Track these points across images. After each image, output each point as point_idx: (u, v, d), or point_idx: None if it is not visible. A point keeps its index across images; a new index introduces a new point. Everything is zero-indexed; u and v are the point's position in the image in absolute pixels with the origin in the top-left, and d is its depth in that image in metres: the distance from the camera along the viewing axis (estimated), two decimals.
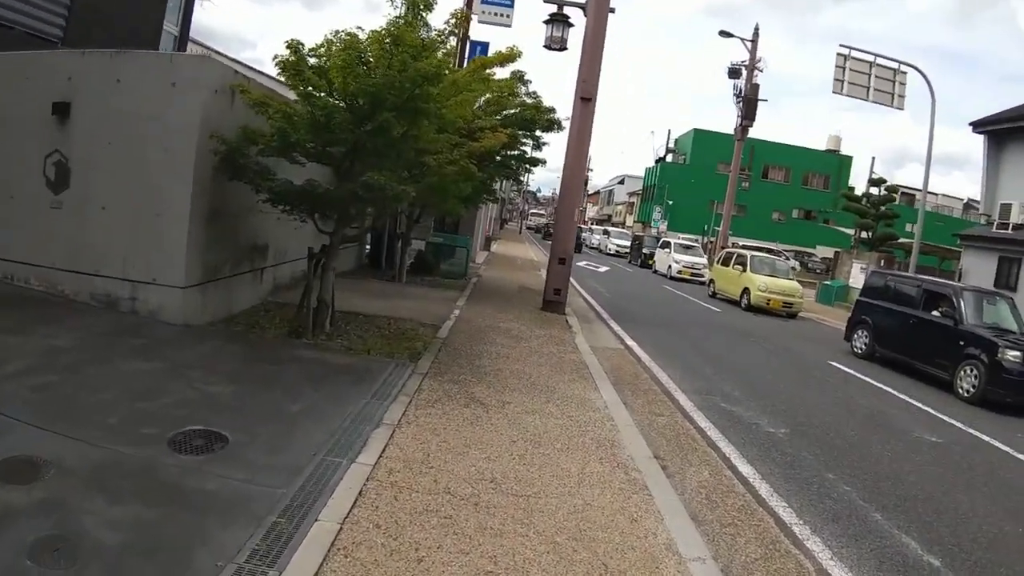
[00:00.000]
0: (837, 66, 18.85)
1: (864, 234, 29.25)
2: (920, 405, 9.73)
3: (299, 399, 5.35)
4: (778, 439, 6.87)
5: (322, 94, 6.74)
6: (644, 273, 30.02)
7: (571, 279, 15.92)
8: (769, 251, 45.59)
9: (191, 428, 4.43)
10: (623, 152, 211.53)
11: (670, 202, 53.58)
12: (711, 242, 43.27)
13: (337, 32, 6.66)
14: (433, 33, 6.86)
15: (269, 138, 6.79)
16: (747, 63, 32.01)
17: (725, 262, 21.68)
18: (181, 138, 6.76)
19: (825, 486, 5.72)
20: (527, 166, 15.08)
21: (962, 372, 10.76)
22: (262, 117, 6.86)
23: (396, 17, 6.73)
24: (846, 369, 11.81)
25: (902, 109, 19.47)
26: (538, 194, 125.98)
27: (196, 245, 6.98)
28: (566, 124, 12.50)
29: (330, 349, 7.12)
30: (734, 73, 32.48)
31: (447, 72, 7.16)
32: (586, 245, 47.23)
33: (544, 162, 14.67)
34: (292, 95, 7.33)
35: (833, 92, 18.95)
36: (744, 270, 19.89)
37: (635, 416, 6.68)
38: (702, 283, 27.17)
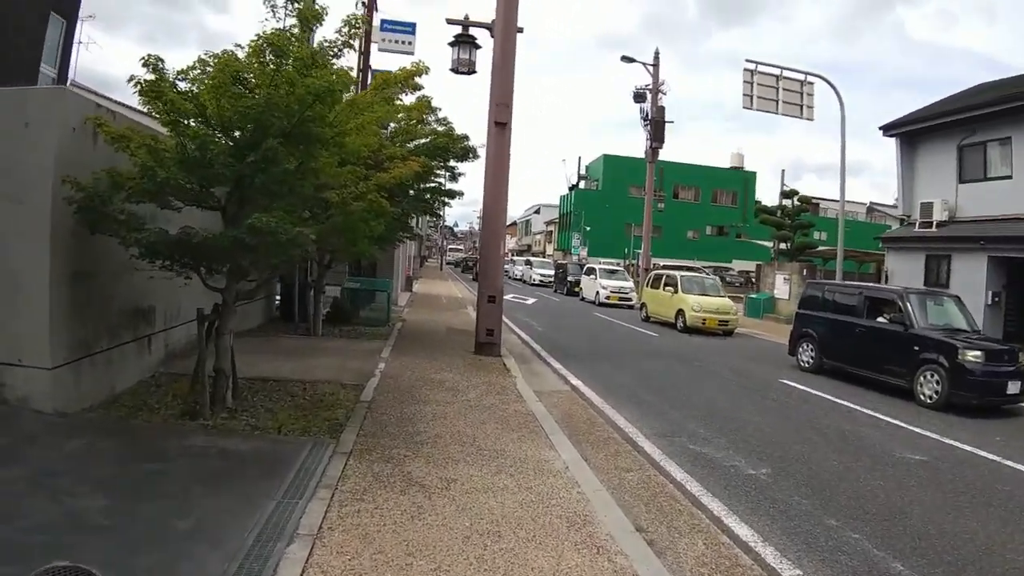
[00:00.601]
0: (745, 81, 18.87)
1: (783, 245, 29.64)
2: (888, 419, 9.19)
3: (190, 510, 4.08)
4: (763, 483, 6.00)
5: (193, 122, 5.54)
6: (572, 301, 29.40)
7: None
8: (689, 269, 46.27)
9: (54, 565, 3.12)
10: (536, 182, 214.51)
11: (587, 228, 53.73)
12: (632, 264, 43.42)
13: (212, 53, 5.54)
14: (325, 44, 5.79)
15: (136, 180, 5.53)
16: (651, 87, 32.41)
17: (655, 284, 21.24)
18: (35, 187, 5.47)
19: (832, 537, 4.87)
20: (443, 199, 14.10)
21: (922, 378, 10.34)
22: (135, 157, 5.61)
23: (279, 30, 5.64)
24: (800, 386, 11.24)
25: (812, 120, 19.70)
26: (456, 229, 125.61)
27: (62, 315, 5.64)
28: (482, 152, 11.62)
29: (232, 431, 5.81)
30: (639, 97, 32.76)
31: (343, 91, 6.12)
32: (510, 277, 46.82)
33: (461, 194, 13.74)
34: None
35: (744, 107, 18.96)
36: (676, 291, 19.45)
37: (602, 476, 5.68)
38: (631, 307, 26.83)
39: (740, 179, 61.98)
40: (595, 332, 17.70)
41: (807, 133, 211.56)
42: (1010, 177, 17.01)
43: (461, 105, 24.95)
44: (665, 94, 32.36)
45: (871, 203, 72.24)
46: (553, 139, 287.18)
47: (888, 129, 21.05)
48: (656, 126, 31.70)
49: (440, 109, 12.08)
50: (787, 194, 30.61)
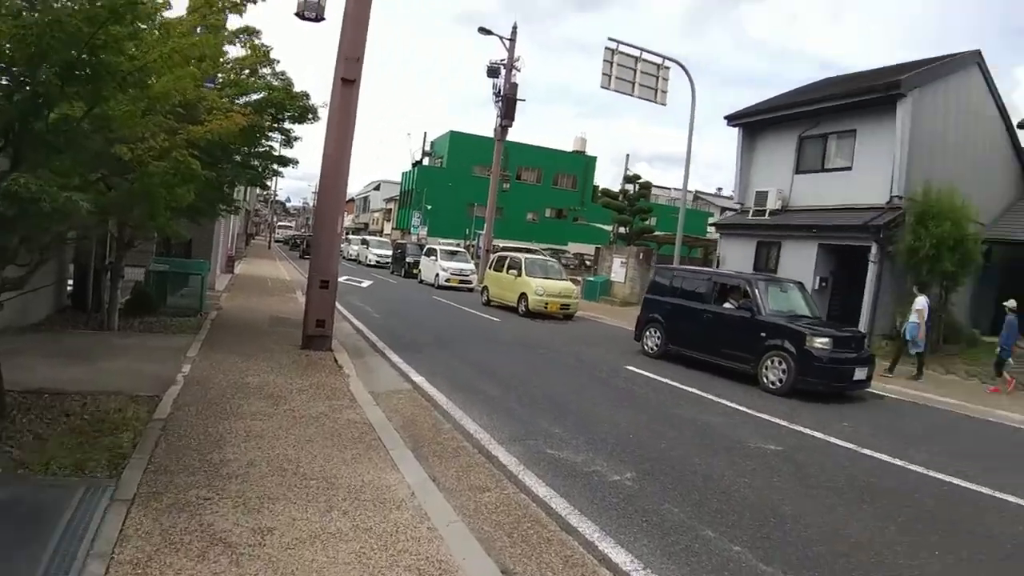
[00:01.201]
0: (605, 60, 18.71)
1: (622, 229, 30.35)
2: (736, 406, 9.22)
3: None
4: (630, 491, 5.46)
5: None
6: (411, 284, 28.30)
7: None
8: (529, 251, 46.69)
9: None
10: (378, 157, 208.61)
11: (429, 207, 52.60)
12: (472, 246, 42.98)
13: None
14: None
15: None
16: (506, 62, 31.80)
17: (498, 267, 20.71)
18: None
19: (715, 553, 4.44)
20: (275, 167, 12.40)
21: (768, 363, 10.52)
22: None
23: None
24: (647, 374, 11.10)
25: (664, 104, 19.93)
26: (288, 204, 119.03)
27: None
28: (323, 114, 10.23)
29: None
30: (493, 72, 32.08)
31: (155, 11, 4.77)
32: (344, 257, 44.39)
33: (296, 162, 12.11)
34: None
35: (601, 87, 18.80)
36: (519, 274, 19.02)
37: (456, 500, 4.84)
38: (471, 290, 26.28)
39: (581, 163, 63.48)
40: (436, 318, 16.82)
41: (642, 123, 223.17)
42: (849, 168, 18.07)
43: (307, 66, 22.83)
44: (519, 71, 31.99)
45: (696, 192, 77.83)
46: (397, 113, 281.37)
47: (733, 119, 21.76)
48: (508, 103, 31.19)
49: (279, 62, 10.52)
50: (629, 179, 31.37)
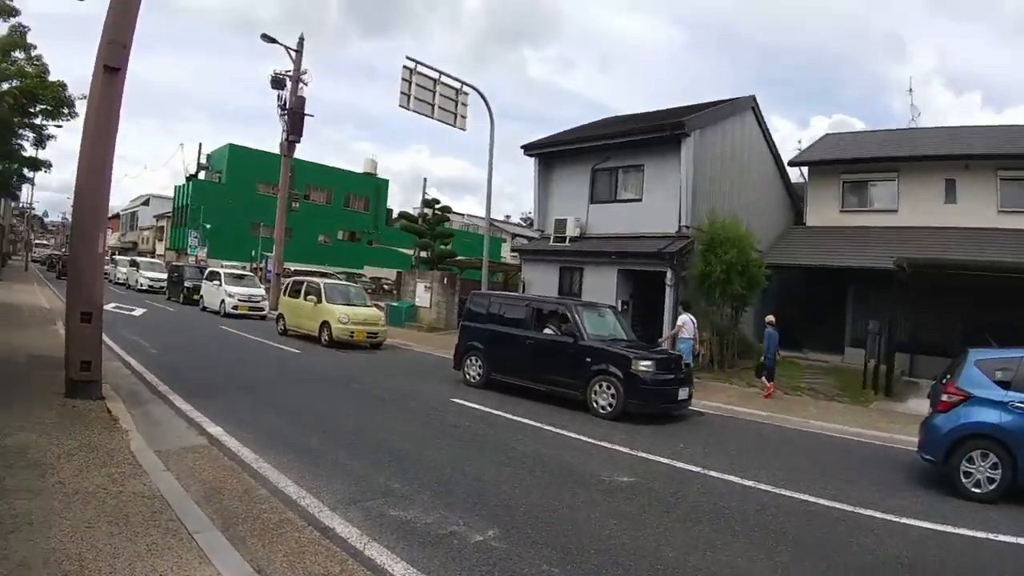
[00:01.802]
0: (403, 79, 17.90)
1: (423, 253, 29.70)
2: (576, 435, 9.05)
3: None
4: (499, 553, 4.78)
5: None
6: (191, 312, 25.30)
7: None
8: (323, 275, 44.57)
9: None
10: (146, 167, 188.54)
11: (207, 225, 48.13)
12: (259, 268, 40.00)
13: None
14: None
15: None
16: (291, 73, 29.88)
17: (294, 293, 19.07)
18: None
19: None
20: (24, 170, 10.01)
21: (596, 388, 10.46)
22: None
23: None
24: (476, 406, 10.53)
25: (464, 129, 19.59)
26: (46, 220, 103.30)
27: None
28: (81, 109, 8.41)
29: None
30: (278, 83, 29.94)
31: None
32: (111, 280, 38.92)
33: (49, 165, 9.87)
34: None
35: (400, 106, 17.93)
36: (319, 301, 17.62)
37: None
38: (263, 317, 24.16)
39: (373, 185, 62.17)
40: (227, 353, 14.90)
41: (433, 151, 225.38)
42: (640, 200, 19.01)
43: (76, 57, 19.40)
44: (307, 84, 30.08)
45: (491, 220, 79.74)
46: (169, 124, 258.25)
47: (529, 149, 22.20)
48: (294, 117, 29.22)
49: (35, 47, 8.48)
50: (428, 203, 30.81)
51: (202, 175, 56.06)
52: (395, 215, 70.48)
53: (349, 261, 55.54)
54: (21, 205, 58.65)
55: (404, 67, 18.07)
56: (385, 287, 44.28)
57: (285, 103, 29.82)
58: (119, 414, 7.55)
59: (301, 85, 30.10)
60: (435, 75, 18.97)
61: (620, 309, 18.11)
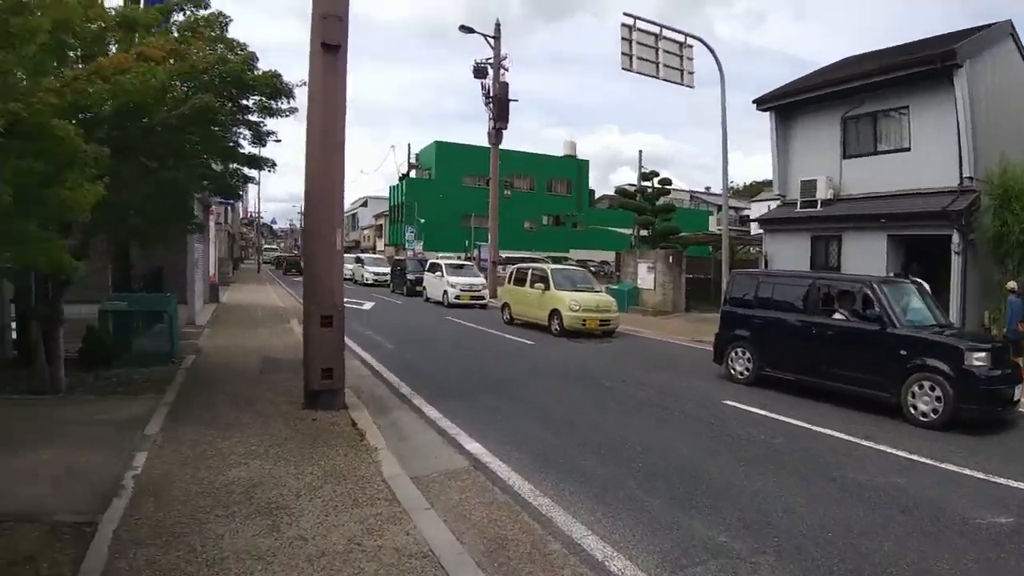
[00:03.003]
0: (623, 39, 16.20)
1: (643, 231, 27.79)
2: (906, 454, 6.72)
3: None
4: None
5: None
6: (416, 303, 25.66)
7: None
8: (532, 259, 44.19)
9: None
10: (362, 172, 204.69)
11: (422, 220, 49.98)
12: (472, 257, 40.53)
13: None
14: None
15: None
16: (492, 61, 29.45)
17: (519, 281, 18.15)
18: None
19: None
20: (243, 170, 9.65)
21: (915, 390, 8.02)
22: None
23: None
24: (756, 410, 8.57)
25: (692, 86, 17.44)
26: (275, 226, 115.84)
27: None
28: (301, 97, 7.69)
29: None
30: (480, 72, 29.69)
31: None
32: None
33: (272, 164, 9.36)
34: None
35: (622, 68, 16.24)
36: (547, 288, 16.46)
37: None
38: (484, 306, 23.74)
39: (574, 167, 61.17)
40: (458, 345, 14.21)
41: (624, 129, 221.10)
42: (908, 149, 15.80)
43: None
44: (507, 69, 29.55)
45: (691, 192, 75.81)
46: (377, 129, 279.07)
47: (763, 102, 19.56)
48: (499, 104, 28.75)
49: (238, 42, 7.91)
50: (646, 175, 28.73)
51: (413, 174, 58.54)
52: (597, 196, 69.34)
53: (554, 245, 55.04)
54: (250, 214, 65.16)
55: (623, 25, 16.30)
56: (592, 269, 43.00)
57: (489, 91, 29.47)
58: (365, 427, 6.68)
59: (502, 71, 29.61)
60: (656, 30, 17.01)
61: None
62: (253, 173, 9.92)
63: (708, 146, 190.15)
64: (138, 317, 9.82)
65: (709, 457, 6.47)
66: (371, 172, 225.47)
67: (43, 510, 4.21)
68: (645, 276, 23.92)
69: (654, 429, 7.52)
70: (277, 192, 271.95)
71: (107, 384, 8.10)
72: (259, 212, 70.91)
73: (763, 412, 8.46)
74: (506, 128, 29.40)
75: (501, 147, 31.06)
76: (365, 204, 77.89)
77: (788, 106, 18.94)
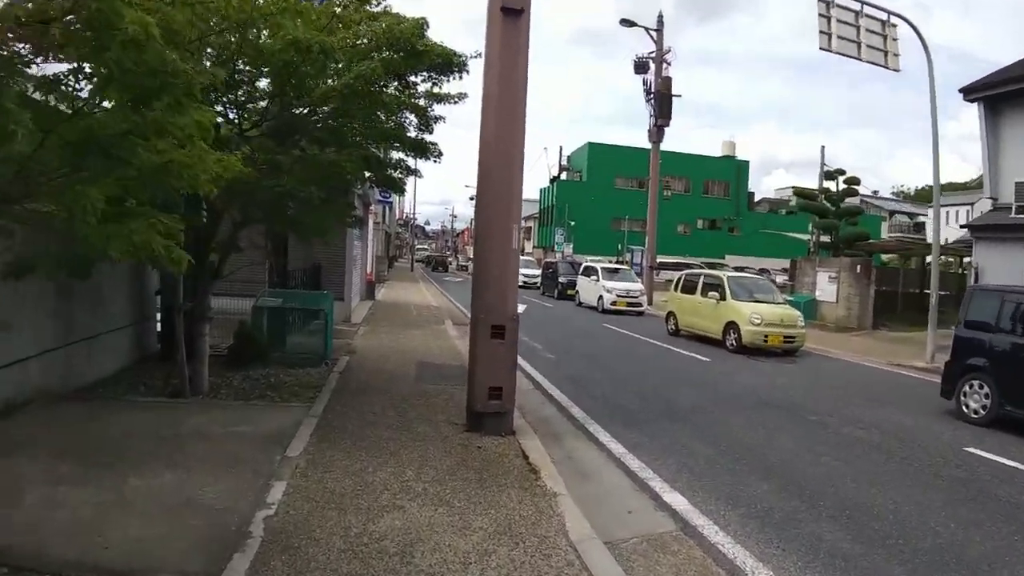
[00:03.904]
0: (820, 15, 14.10)
1: (825, 237, 25.01)
2: None
3: None
4: None
5: None
6: (568, 307, 24.50)
7: None
8: (687, 265, 41.88)
9: None
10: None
11: (572, 222, 48.97)
12: (623, 261, 38.89)
13: None
14: None
15: None
16: (654, 55, 27.77)
17: (688, 288, 16.44)
18: None
19: None
20: (410, 158, 8.79)
21: None
22: None
23: None
24: (1008, 463, 6.55)
25: (897, 70, 14.95)
26: (427, 227, 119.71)
27: None
28: (475, 71, 6.67)
29: None
30: (641, 67, 28.10)
31: None
32: None
33: (438, 153, 8.42)
34: None
35: (820, 48, 14.16)
36: (722, 298, 14.66)
37: None
38: (640, 313, 22.15)
39: (733, 168, 57.72)
40: (624, 357, 12.79)
41: (776, 130, 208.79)
42: None
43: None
44: (670, 64, 27.74)
45: (862, 197, 69.35)
46: (528, 130, 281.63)
47: (971, 92, 16.72)
48: (661, 100, 27.00)
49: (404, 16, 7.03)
50: (831, 175, 25.82)
51: (564, 176, 57.68)
52: (757, 197, 65.08)
53: (709, 250, 52.24)
54: (405, 214, 67.30)
55: (820, 1, 14.19)
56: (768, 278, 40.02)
57: (650, 87, 27.84)
58: (538, 460, 5.49)
59: (665, 65, 27.86)
60: (856, 6, 14.71)
61: None
62: (416, 164, 9.05)
63: (871, 147, 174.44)
64: (293, 315, 9.32)
65: (974, 528, 4.73)
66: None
67: (144, 565, 3.35)
68: (826, 287, 21.31)
69: (896, 487, 5.74)
70: (431, 195, 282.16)
71: (254, 387, 7.49)
72: (414, 213, 73.14)
73: (1018, 465, 6.45)
74: (668, 125, 27.63)
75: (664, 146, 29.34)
76: None
77: (1000, 96, 16.06)
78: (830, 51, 14.14)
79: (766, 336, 13.62)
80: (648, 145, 29.06)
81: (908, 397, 10.30)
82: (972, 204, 57.71)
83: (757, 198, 64.99)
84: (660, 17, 28.05)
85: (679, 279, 17.40)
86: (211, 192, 3.38)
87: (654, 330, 17.24)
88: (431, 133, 8.28)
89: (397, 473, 4.92)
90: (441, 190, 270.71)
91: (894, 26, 15.06)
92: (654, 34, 27.77)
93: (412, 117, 7.76)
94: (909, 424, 8.34)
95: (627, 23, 27.06)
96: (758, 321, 13.66)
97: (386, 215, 41.23)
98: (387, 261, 42.22)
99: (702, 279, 16.05)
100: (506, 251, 6.12)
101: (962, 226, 17.43)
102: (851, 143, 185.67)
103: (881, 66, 14.85)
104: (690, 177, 55.96)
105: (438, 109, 7.89)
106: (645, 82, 28.01)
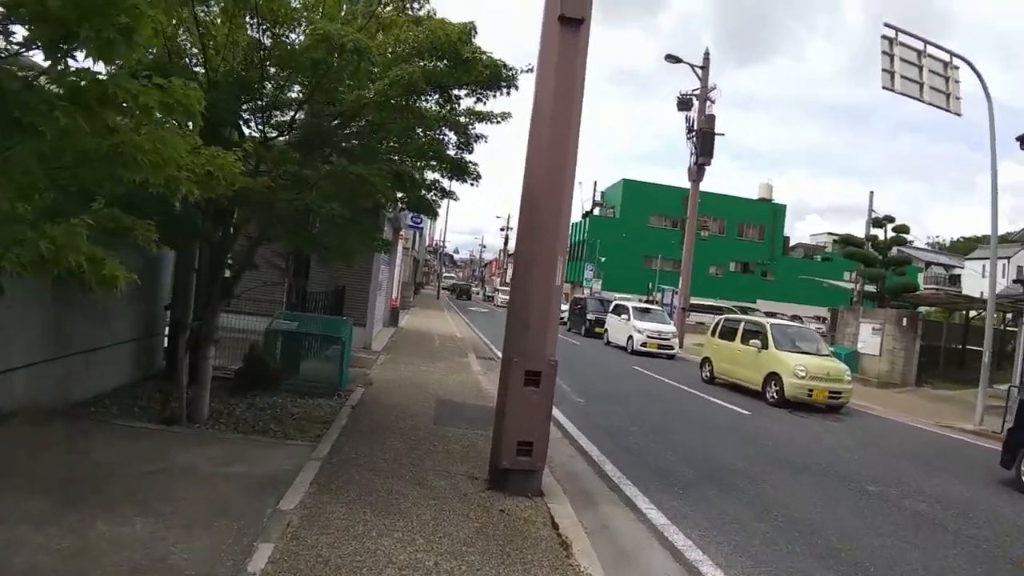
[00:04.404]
0: (883, 52, 13.43)
1: (870, 287, 23.96)
2: None
3: None
4: None
5: None
6: (596, 346, 23.68)
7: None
8: (717, 309, 40.79)
9: None
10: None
11: (602, 259, 48.23)
12: (653, 300, 38.03)
13: None
14: None
15: None
16: (698, 92, 27.24)
17: (727, 334, 15.57)
18: None
19: None
20: (447, 179, 8.15)
21: None
22: None
23: None
24: None
25: (959, 114, 14.17)
26: (455, 256, 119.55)
27: None
28: (526, 86, 6.06)
29: None
30: (684, 104, 27.59)
31: None
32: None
33: (477, 177, 7.80)
34: None
35: (883, 87, 13.47)
36: (764, 346, 13.77)
37: None
38: (671, 356, 21.29)
39: (769, 212, 56.76)
40: (658, 406, 11.94)
41: (811, 175, 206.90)
42: None
43: None
44: (714, 102, 27.19)
45: (898, 248, 67.70)
46: None
47: None
48: (704, 138, 26.38)
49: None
50: (879, 222, 24.84)
51: (596, 211, 57.11)
52: (792, 242, 63.77)
53: (741, 294, 51.18)
54: (435, 242, 67.29)
55: (883, 37, 13.53)
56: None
57: (692, 124, 27.29)
58: (569, 531, 4.73)
59: (708, 103, 27.31)
60: (919, 45, 14.03)
61: None
62: (452, 186, 8.38)
63: (906, 196, 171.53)
64: (308, 340, 8.70)
65: None
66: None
67: None
68: (869, 339, 20.26)
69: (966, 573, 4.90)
70: (461, 224, 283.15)
71: (257, 418, 6.83)
72: (444, 241, 72.98)
73: None
74: (709, 164, 27.00)
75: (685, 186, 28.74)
76: None
77: None
78: (892, 90, 13.43)
79: (811, 390, 12.69)
80: (684, 184, 28.50)
81: (961, 464, 9.61)
82: (1009, 258, 56.22)
83: (792, 243, 63.73)
84: (707, 54, 27.67)
85: (717, 323, 16.53)
86: (192, 193, 2.73)
87: (687, 376, 16.36)
88: (471, 152, 7.68)
89: (406, 540, 4.19)
90: (471, 219, 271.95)
91: (956, 68, 14.34)
92: (699, 71, 27.32)
93: (451, 135, 7.17)
94: (967, 496, 7.53)
95: (673, 59, 26.69)
96: (803, 374, 12.74)
97: (416, 241, 40.91)
98: (413, 287, 41.77)
99: (743, 325, 15.17)
100: (549, 288, 5.40)
101: (1015, 281, 16.34)
102: (887, 192, 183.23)
103: (943, 109, 14.08)
104: (725, 218, 55.11)
105: (479, 128, 7.29)
106: (688, 119, 27.51)
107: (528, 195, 5.58)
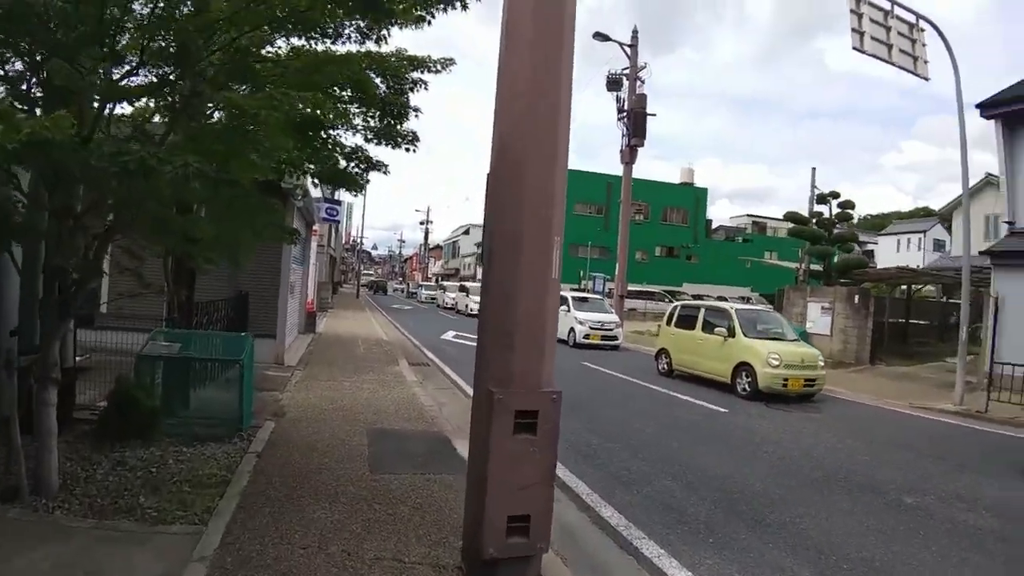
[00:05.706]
0: (852, 11, 12.34)
1: (815, 264, 23.36)
2: None
3: None
4: None
5: None
6: None
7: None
8: (649, 294, 40.08)
9: None
10: (468, 199, 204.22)
11: None
12: (585, 288, 37.03)
13: None
14: None
15: None
16: (628, 71, 26.07)
17: (684, 322, 14.25)
18: None
19: None
20: (366, 150, 6.24)
21: None
22: None
23: None
24: None
25: (927, 78, 13.25)
26: (374, 252, 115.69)
27: None
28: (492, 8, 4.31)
29: None
30: (614, 84, 26.43)
31: None
32: (440, 305, 42.31)
33: (413, 142, 6.00)
34: None
35: (853, 48, 12.35)
36: (730, 334, 12.50)
37: None
38: (616, 347, 20.03)
39: (691, 196, 56.76)
40: (631, 411, 10.38)
41: (723, 163, 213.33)
42: None
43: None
44: (643, 81, 26.04)
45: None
46: (482, 156, 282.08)
47: (988, 107, 15.33)
48: (635, 118, 25.19)
49: None
50: (823, 198, 24.21)
51: None
52: (714, 225, 64.29)
53: (667, 278, 51.16)
54: (352, 239, 64.72)
55: None
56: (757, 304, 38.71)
57: (623, 105, 26.10)
58: None
59: (639, 82, 26.18)
60: (886, 6, 13.07)
61: None
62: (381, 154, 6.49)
63: (819, 178, 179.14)
64: (196, 366, 6.67)
65: None
66: (476, 200, 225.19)
67: None
68: (818, 319, 19.51)
69: None
70: (378, 220, 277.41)
71: (125, 485, 4.84)
72: (361, 237, 69.96)
73: None
74: (642, 145, 25.82)
75: (612, 172, 27.70)
76: (467, 232, 75.98)
77: (1019, 112, 14.71)
78: (863, 51, 12.38)
79: (786, 380, 11.50)
80: (610, 170, 27.54)
81: (973, 454, 8.76)
82: (924, 232, 58.22)
83: (714, 226, 64.33)
84: (635, 32, 26.55)
85: (673, 311, 15.19)
86: None
87: (641, 369, 15.00)
88: (406, 120, 5.86)
89: None
90: (390, 214, 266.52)
91: (922, 30, 13.43)
92: (628, 49, 26.15)
93: (379, 83, 5.32)
94: (1006, 497, 6.37)
95: (601, 36, 25.43)
96: (776, 362, 11.53)
97: (331, 237, 38.28)
98: (331, 287, 39.20)
99: (703, 312, 13.86)
100: (544, 281, 3.66)
101: (981, 252, 15.80)
102: (793, 176, 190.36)
103: (910, 72, 13.16)
104: (649, 203, 54.71)
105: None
106: (618, 99, 26.33)
107: (502, 155, 3.80)
